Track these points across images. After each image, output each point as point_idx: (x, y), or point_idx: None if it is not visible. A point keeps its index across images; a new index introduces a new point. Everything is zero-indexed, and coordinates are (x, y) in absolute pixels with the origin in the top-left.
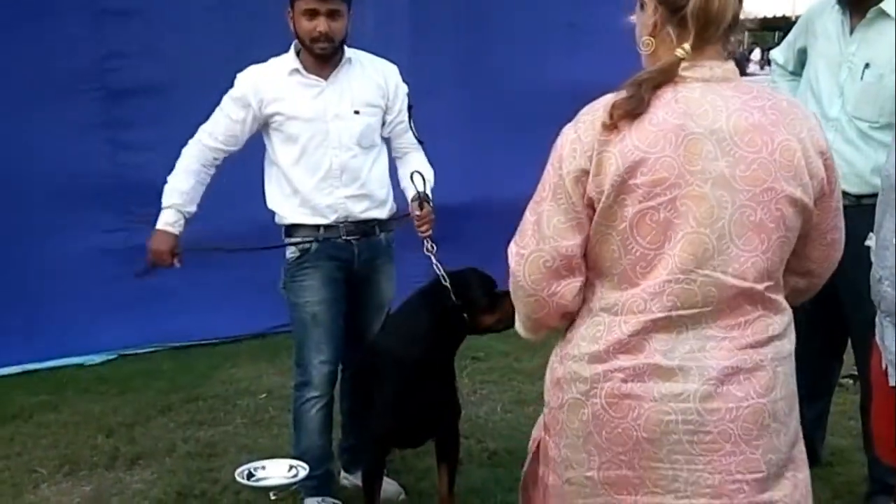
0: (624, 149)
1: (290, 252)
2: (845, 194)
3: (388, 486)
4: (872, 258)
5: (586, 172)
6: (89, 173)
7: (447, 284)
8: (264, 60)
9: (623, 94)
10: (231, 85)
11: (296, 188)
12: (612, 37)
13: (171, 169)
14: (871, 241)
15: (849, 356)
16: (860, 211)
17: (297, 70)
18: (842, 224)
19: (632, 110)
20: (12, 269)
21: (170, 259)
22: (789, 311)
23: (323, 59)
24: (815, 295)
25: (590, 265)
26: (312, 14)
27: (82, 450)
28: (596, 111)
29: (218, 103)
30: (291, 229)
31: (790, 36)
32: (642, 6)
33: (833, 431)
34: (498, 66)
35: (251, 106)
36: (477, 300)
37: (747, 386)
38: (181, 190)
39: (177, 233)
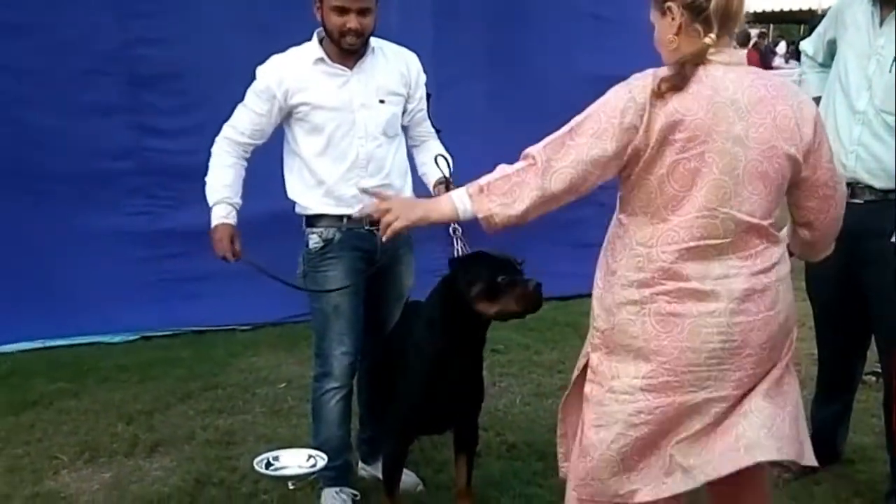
0: (668, 111)
1: (314, 242)
2: (871, 189)
3: (406, 477)
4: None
5: (636, 128)
6: (114, 157)
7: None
8: (286, 48)
9: (667, 71)
10: (253, 72)
11: (320, 179)
12: (637, 28)
13: (194, 154)
14: None
15: (872, 353)
16: (885, 206)
17: (321, 59)
18: (837, 184)
19: (677, 84)
20: (35, 248)
21: (232, 249)
22: (784, 242)
23: (350, 50)
24: (838, 290)
25: (623, 207)
26: (343, 10)
27: (102, 437)
28: (647, 79)
29: (241, 90)
30: (313, 219)
31: (820, 27)
32: (664, 13)
33: (855, 429)
34: (522, 57)
35: (276, 98)
36: (475, 286)
37: (759, 303)
38: (224, 184)
39: (233, 223)
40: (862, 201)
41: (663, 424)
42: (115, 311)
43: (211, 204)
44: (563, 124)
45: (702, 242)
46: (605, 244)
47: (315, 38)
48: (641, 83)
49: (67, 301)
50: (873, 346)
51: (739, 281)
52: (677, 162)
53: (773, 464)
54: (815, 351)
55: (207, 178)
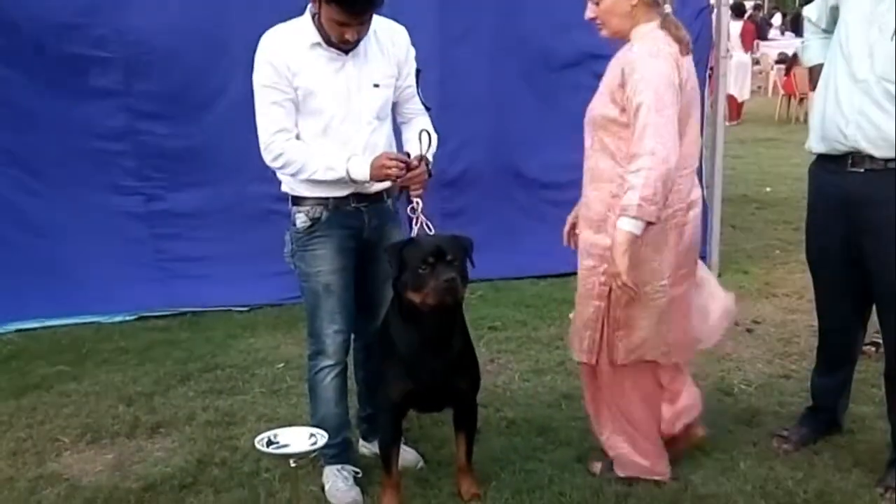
0: (682, 69)
1: (301, 221)
2: (871, 158)
3: (407, 454)
4: None
5: (680, 86)
6: (108, 139)
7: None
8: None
9: (672, 37)
10: (244, 59)
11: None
12: None
13: (182, 137)
14: None
15: (871, 324)
16: (886, 175)
17: (318, 44)
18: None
19: (686, 46)
20: (34, 227)
21: (399, 158)
22: None
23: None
24: (839, 260)
25: None
26: (342, 23)
27: (104, 419)
28: (670, 49)
29: (233, 71)
30: (299, 198)
31: None
32: None
33: (855, 399)
34: (527, 38)
35: (287, 78)
36: (402, 274)
37: None
38: (329, 151)
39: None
40: (862, 170)
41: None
42: (114, 290)
43: (343, 170)
44: (565, 104)
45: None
46: None
47: (309, 17)
48: (669, 50)
49: (66, 280)
50: (873, 317)
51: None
52: (681, 106)
53: (774, 435)
54: (815, 323)
55: (313, 167)
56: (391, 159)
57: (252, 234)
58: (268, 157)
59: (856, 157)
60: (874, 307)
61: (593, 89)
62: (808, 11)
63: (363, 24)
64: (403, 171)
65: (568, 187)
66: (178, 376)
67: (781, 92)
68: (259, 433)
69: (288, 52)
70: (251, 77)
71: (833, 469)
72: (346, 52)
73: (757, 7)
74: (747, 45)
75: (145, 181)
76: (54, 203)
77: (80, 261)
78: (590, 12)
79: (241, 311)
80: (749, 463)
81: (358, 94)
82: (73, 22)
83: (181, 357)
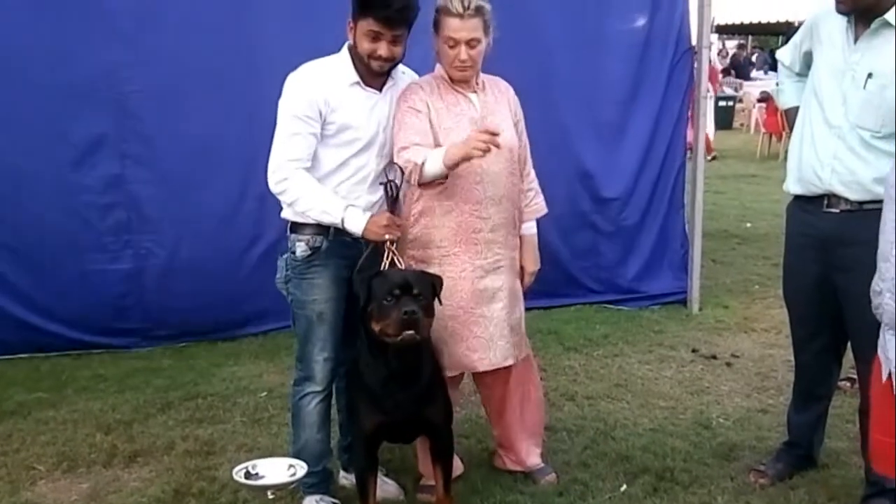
0: None
1: (301, 250)
2: (847, 201)
3: (387, 485)
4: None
5: None
6: (98, 189)
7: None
8: (264, 69)
9: None
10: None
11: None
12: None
13: (172, 182)
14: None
15: (846, 359)
16: (862, 215)
17: (357, 83)
18: None
19: None
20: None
21: (393, 222)
22: None
23: (378, 73)
24: (815, 297)
25: None
26: (376, 36)
27: (80, 447)
28: None
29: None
30: (299, 226)
31: (796, 37)
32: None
33: (830, 434)
34: (533, 24)
35: (321, 114)
36: (369, 305)
37: None
38: (332, 194)
39: (371, 212)
40: (838, 211)
41: None
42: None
43: (338, 217)
44: (571, 90)
45: None
46: None
47: (347, 57)
48: None
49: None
50: (848, 353)
51: None
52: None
53: (750, 469)
54: (792, 358)
55: (309, 204)
56: (392, 224)
57: (240, 270)
58: (272, 181)
59: (831, 198)
60: (849, 343)
61: None
62: (781, 55)
63: (395, 43)
64: (398, 237)
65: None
66: (158, 404)
67: (763, 130)
68: (238, 463)
69: (328, 90)
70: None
71: None
72: (380, 88)
73: (741, 46)
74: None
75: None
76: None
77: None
78: (464, 55)
79: (225, 340)
80: (726, 497)
81: (385, 131)
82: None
83: (162, 385)
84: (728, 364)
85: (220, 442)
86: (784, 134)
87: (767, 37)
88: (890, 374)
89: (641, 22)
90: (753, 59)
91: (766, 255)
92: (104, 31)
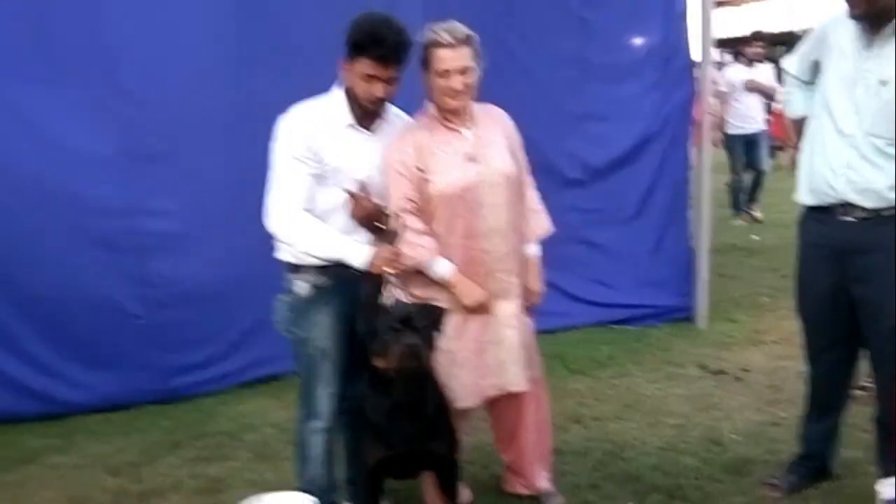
0: None
1: (304, 290)
2: (863, 209)
3: None
4: None
5: None
6: (106, 226)
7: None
8: (259, 111)
9: None
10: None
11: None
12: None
13: (177, 225)
14: None
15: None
16: (876, 223)
17: (352, 125)
18: None
19: None
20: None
21: (398, 258)
22: None
23: (373, 113)
24: (829, 308)
25: None
26: (371, 78)
27: (89, 490)
28: None
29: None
30: (299, 267)
31: (803, 47)
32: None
33: (844, 444)
34: (506, 47)
35: (316, 154)
36: (372, 339)
37: None
38: (332, 231)
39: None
40: (853, 219)
41: None
42: (108, 387)
43: (341, 253)
44: (550, 112)
45: None
46: None
47: (343, 98)
48: None
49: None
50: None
51: None
52: None
53: (763, 483)
54: (803, 369)
55: (310, 243)
56: (396, 257)
57: (245, 314)
58: (271, 223)
59: (846, 207)
60: (862, 353)
61: None
62: (787, 65)
63: (391, 82)
64: (402, 269)
65: (557, 244)
66: (165, 445)
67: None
68: (246, 499)
69: (321, 130)
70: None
71: None
72: (371, 129)
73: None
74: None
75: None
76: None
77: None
78: (459, 84)
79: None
80: None
81: (378, 172)
82: None
83: (169, 426)
84: (738, 379)
85: (228, 479)
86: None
87: (773, 47)
88: None
89: (639, 41)
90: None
91: (774, 267)
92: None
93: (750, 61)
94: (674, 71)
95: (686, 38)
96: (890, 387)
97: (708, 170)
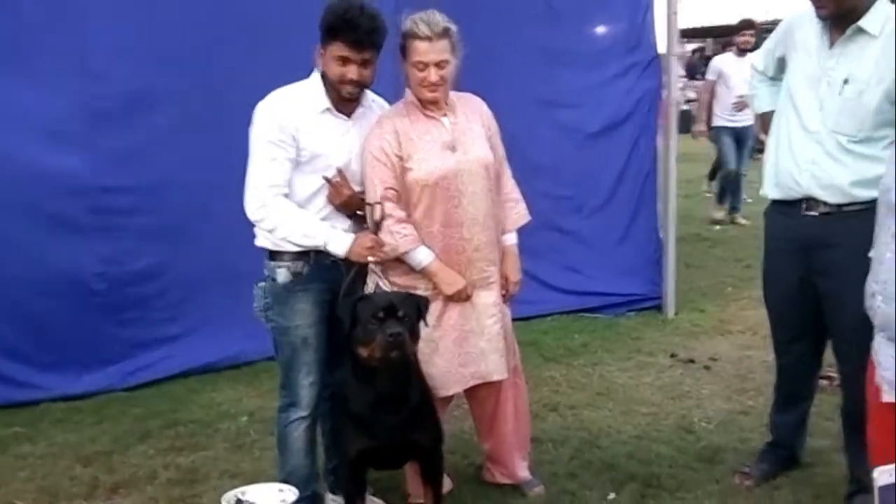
0: None
1: (283, 276)
2: (826, 204)
3: None
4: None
5: None
6: (75, 216)
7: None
8: (232, 93)
9: None
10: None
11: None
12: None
13: (143, 205)
14: (873, 253)
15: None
16: (840, 217)
17: (328, 110)
18: None
19: None
20: None
21: (379, 246)
22: None
23: (349, 98)
24: (795, 300)
25: None
26: (345, 60)
27: (61, 480)
28: None
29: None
30: (277, 254)
31: (769, 43)
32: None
33: (811, 433)
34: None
35: (294, 139)
36: (354, 328)
37: None
38: (312, 217)
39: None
40: (816, 214)
41: None
42: (73, 374)
43: (321, 240)
44: (517, 98)
45: None
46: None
47: (319, 83)
48: None
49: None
50: (827, 351)
51: None
52: None
53: (735, 471)
54: (769, 358)
55: (290, 230)
56: (377, 245)
57: (214, 300)
58: (250, 208)
59: (810, 202)
60: (829, 344)
61: None
62: (754, 60)
63: (365, 65)
64: (382, 259)
65: (529, 232)
66: (137, 434)
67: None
68: (223, 490)
69: (298, 115)
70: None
71: (794, 503)
72: (349, 115)
73: (695, 52)
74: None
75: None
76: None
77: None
78: (435, 77)
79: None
80: (713, 501)
81: (356, 159)
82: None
83: (140, 414)
84: (707, 367)
85: (203, 469)
86: None
87: (727, 39)
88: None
89: (603, 29)
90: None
91: (738, 258)
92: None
93: (740, 51)
94: (640, 61)
95: (652, 29)
96: (854, 377)
97: (674, 160)
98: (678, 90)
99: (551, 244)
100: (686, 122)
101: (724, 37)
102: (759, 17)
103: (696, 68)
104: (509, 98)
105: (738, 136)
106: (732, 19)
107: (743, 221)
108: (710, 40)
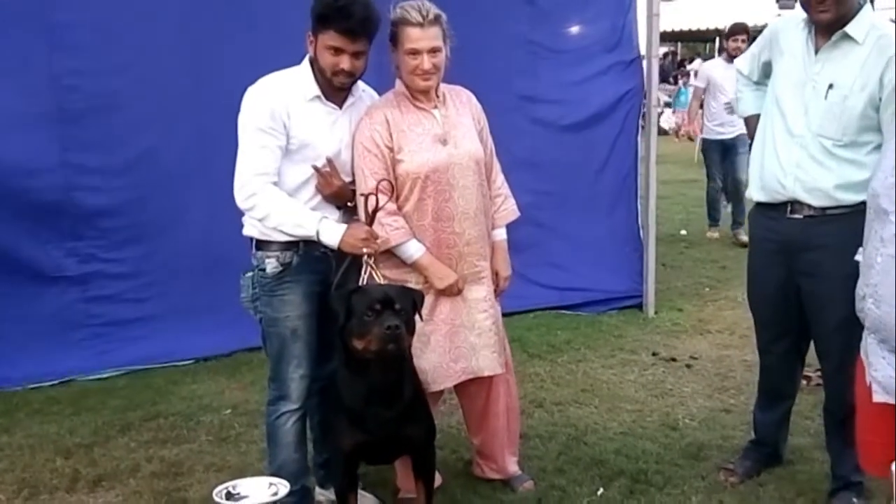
0: None
1: (272, 266)
2: (810, 207)
3: (366, 500)
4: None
5: None
6: (41, 197)
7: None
8: (218, 83)
9: None
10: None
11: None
12: None
13: (120, 193)
14: (859, 256)
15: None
16: (824, 220)
17: (318, 97)
18: None
19: None
20: None
21: (373, 237)
22: None
23: (340, 88)
24: (779, 300)
25: None
26: (338, 51)
27: (41, 472)
28: None
29: (175, 127)
30: (265, 243)
31: (754, 47)
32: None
33: (792, 431)
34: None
35: (285, 126)
36: (349, 321)
37: None
38: (304, 207)
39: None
40: (801, 216)
41: None
42: (45, 359)
43: (313, 230)
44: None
45: None
46: None
47: (308, 70)
48: None
49: None
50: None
51: None
52: None
53: (720, 468)
54: (748, 357)
55: (281, 218)
56: (371, 237)
57: (191, 287)
58: (240, 197)
59: (794, 205)
60: (811, 344)
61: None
62: (739, 64)
63: (358, 56)
64: (375, 250)
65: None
66: (117, 426)
67: (696, 134)
68: (209, 483)
69: (288, 102)
70: (191, 126)
71: (778, 500)
72: (340, 105)
73: (671, 54)
74: None
75: (79, 240)
76: None
77: (9, 326)
78: (428, 64)
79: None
80: (700, 497)
81: (346, 149)
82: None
83: (119, 406)
84: (688, 366)
85: (188, 462)
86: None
87: (696, 44)
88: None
89: (580, 28)
90: (691, 65)
91: (713, 259)
92: (53, 43)
93: (731, 57)
94: (622, 60)
95: (634, 30)
96: (836, 376)
97: (654, 161)
98: (657, 91)
99: (532, 239)
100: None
101: (694, 41)
102: (722, 23)
103: (667, 72)
104: (490, 92)
105: (728, 147)
106: (700, 25)
107: (744, 238)
108: (679, 44)
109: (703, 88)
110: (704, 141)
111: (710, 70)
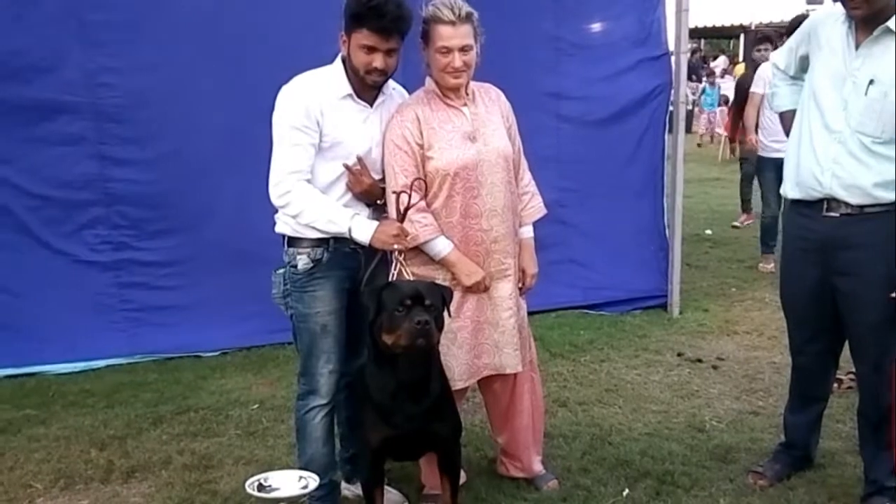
0: None
1: (303, 263)
2: (847, 205)
3: (391, 495)
4: None
5: None
6: (76, 187)
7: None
8: (252, 80)
9: None
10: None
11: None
12: None
13: (156, 182)
14: None
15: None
16: (862, 219)
17: (350, 96)
18: None
19: None
20: None
21: (403, 234)
22: None
23: (372, 86)
24: (814, 300)
25: None
26: (371, 49)
27: (76, 463)
28: None
29: (204, 120)
30: (296, 240)
31: (791, 41)
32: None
33: (823, 434)
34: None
35: (318, 124)
36: (379, 316)
37: None
38: (336, 203)
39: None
40: (838, 214)
41: None
42: (79, 340)
43: (345, 226)
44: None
45: None
46: None
47: (341, 69)
48: None
49: (30, 331)
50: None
51: None
52: None
53: (749, 471)
54: (776, 359)
55: (314, 215)
56: (402, 233)
57: (220, 280)
58: (275, 194)
59: (831, 202)
60: (846, 345)
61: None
62: (775, 58)
63: (391, 54)
64: (406, 247)
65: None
66: (149, 419)
67: (725, 133)
68: (238, 476)
69: (321, 100)
70: (222, 121)
71: None
72: (371, 103)
73: (694, 51)
74: None
75: (113, 229)
76: (18, 251)
77: (45, 311)
78: (459, 62)
79: (211, 355)
80: (728, 499)
81: (377, 147)
82: (43, 66)
83: (151, 399)
84: (714, 367)
85: (218, 455)
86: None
87: (720, 40)
88: None
89: (602, 25)
90: (716, 62)
91: (739, 258)
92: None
93: (756, 65)
94: (650, 56)
95: (663, 25)
96: (871, 378)
97: (681, 159)
98: (685, 88)
99: (556, 237)
100: (687, 123)
101: (716, 38)
102: (745, 20)
103: (695, 68)
104: (515, 89)
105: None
106: (725, 21)
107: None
108: (702, 40)
109: (761, 95)
110: (760, 159)
111: (768, 71)
